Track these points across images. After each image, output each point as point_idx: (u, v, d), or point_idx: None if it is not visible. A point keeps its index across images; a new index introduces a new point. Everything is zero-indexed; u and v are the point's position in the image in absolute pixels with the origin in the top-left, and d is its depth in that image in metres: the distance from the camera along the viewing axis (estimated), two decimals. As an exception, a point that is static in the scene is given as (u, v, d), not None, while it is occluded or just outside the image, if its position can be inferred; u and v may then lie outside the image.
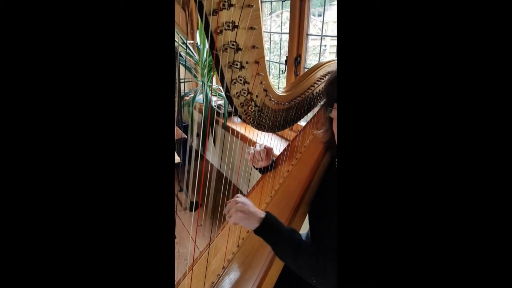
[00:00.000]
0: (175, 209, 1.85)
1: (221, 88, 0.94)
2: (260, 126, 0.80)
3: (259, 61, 0.65)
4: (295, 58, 1.46)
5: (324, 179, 0.82)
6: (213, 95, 2.04)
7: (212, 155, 2.39)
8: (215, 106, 1.96)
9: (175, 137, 1.58)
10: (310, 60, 1.50)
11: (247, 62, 0.63)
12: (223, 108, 1.93)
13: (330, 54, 1.48)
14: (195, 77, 2.14)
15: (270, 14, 1.68)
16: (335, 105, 0.61)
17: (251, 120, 0.76)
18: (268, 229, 0.61)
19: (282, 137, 1.65)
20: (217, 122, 2.02)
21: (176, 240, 1.63)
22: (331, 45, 1.47)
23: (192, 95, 2.04)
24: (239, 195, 0.65)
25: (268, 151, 0.90)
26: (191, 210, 1.90)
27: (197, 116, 2.31)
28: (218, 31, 0.55)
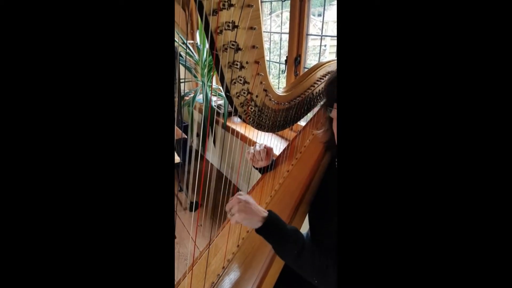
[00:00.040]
0: (175, 209, 1.86)
1: (221, 88, 0.94)
2: (260, 126, 0.80)
3: (259, 61, 0.65)
4: (295, 58, 1.46)
5: (324, 179, 0.81)
6: (213, 95, 2.04)
7: (212, 155, 2.39)
8: (215, 106, 1.96)
9: (175, 137, 1.58)
10: (310, 60, 1.50)
11: (247, 62, 0.63)
12: (223, 108, 1.93)
13: (330, 54, 1.48)
14: (195, 77, 2.14)
15: (270, 14, 1.68)
16: (335, 105, 0.61)
17: (251, 120, 0.76)
18: (271, 228, 0.60)
19: (282, 137, 1.65)
20: (217, 122, 2.02)
21: (176, 240, 1.63)
22: (331, 45, 1.47)
23: (192, 95, 2.04)
24: (241, 192, 0.65)
25: (268, 151, 0.90)
26: (191, 210, 1.90)
27: (197, 116, 2.31)
28: (218, 31, 0.55)
